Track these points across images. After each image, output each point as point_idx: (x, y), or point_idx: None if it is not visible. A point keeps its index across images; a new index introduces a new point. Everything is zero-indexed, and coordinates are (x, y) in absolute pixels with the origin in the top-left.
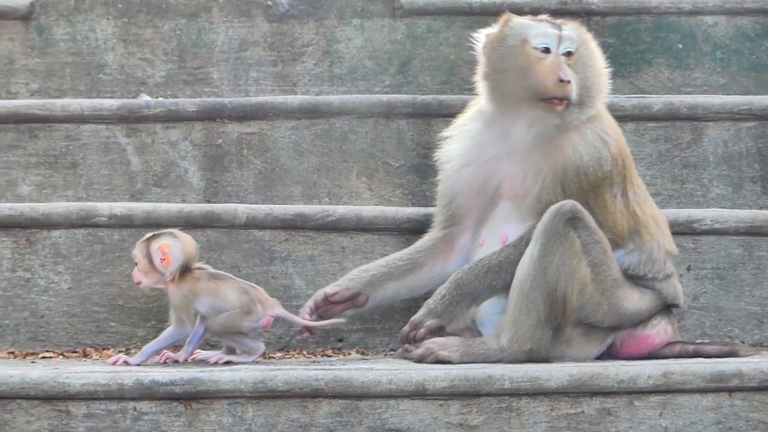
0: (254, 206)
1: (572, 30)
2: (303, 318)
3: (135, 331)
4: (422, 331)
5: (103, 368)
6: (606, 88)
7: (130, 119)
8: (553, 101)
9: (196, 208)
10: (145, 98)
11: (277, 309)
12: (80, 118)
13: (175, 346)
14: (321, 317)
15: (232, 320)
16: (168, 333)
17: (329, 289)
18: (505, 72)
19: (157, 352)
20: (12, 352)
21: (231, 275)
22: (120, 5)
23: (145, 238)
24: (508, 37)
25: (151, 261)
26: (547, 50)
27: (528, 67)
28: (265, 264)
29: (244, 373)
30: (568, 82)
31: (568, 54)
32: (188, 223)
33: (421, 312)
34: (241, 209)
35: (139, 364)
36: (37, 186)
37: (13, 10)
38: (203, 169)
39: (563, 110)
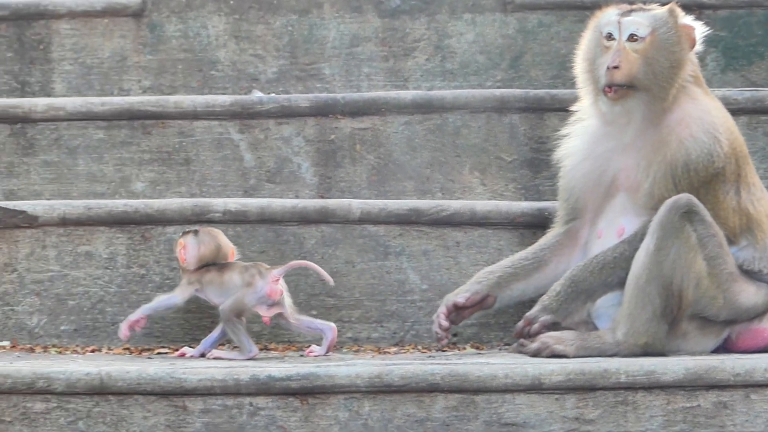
0: (369, 201)
1: (642, 15)
2: (440, 322)
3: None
4: (536, 326)
5: (219, 363)
6: (682, 76)
7: (243, 115)
8: (605, 89)
9: (311, 203)
10: (257, 94)
11: (275, 270)
12: (193, 115)
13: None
14: (453, 323)
15: (237, 301)
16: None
17: (459, 298)
18: (590, 64)
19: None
20: (128, 348)
21: (239, 261)
22: (231, 1)
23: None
24: (593, 29)
25: None
26: (611, 37)
27: (598, 57)
28: (379, 259)
29: (360, 368)
30: (614, 67)
31: (633, 39)
32: (303, 219)
33: (536, 308)
34: (356, 204)
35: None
36: (150, 182)
37: (125, 7)
38: (316, 164)
39: (616, 97)
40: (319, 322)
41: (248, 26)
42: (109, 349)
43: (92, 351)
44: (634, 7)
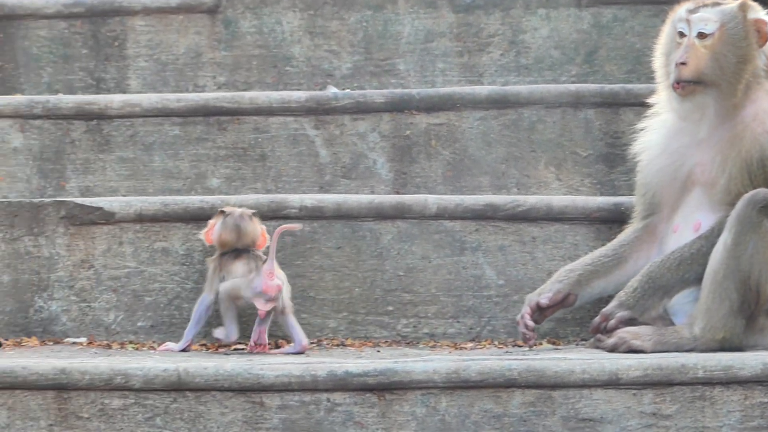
0: (444, 197)
1: (711, 11)
2: (526, 322)
3: (326, 323)
4: (613, 322)
5: (296, 360)
6: (751, 71)
7: (319, 111)
8: (673, 85)
9: (387, 199)
10: (332, 90)
11: (266, 264)
12: (268, 111)
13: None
14: (536, 322)
15: (234, 287)
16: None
17: (543, 299)
18: (665, 59)
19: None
20: (204, 344)
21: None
22: None
23: None
24: (670, 24)
25: None
26: (682, 34)
27: (672, 52)
28: (455, 254)
29: (438, 364)
30: (682, 63)
31: (702, 35)
32: (378, 214)
33: (612, 304)
34: (432, 200)
35: (183, 350)
36: (226, 179)
37: (200, 3)
38: (392, 160)
39: (684, 93)
40: (297, 331)
41: (323, 22)
42: None
43: None
44: (707, 2)
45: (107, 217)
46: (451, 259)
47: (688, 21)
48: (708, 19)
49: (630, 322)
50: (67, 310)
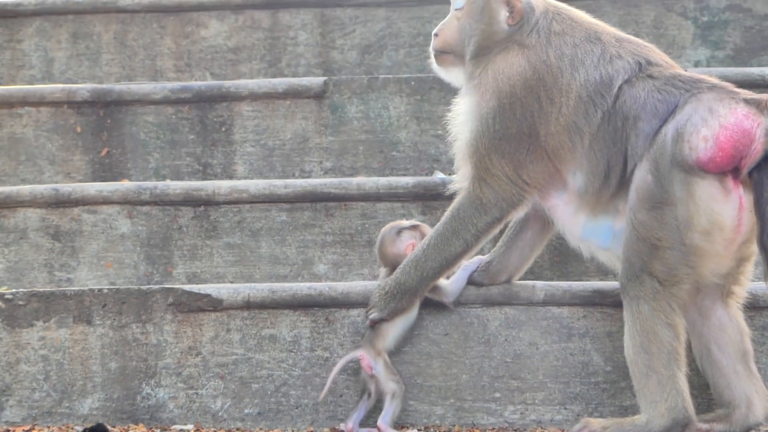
0: (552, 283)
1: None
2: None
3: (433, 410)
4: None
5: None
6: None
7: (426, 197)
8: None
9: (495, 286)
10: (439, 176)
11: (353, 353)
12: (375, 197)
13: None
14: None
15: None
16: None
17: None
18: None
19: None
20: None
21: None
22: (413, 83)
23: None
24: None
25: None
26: None
27: None
28: (563, 341)
29: None
30: None
31: None
32: (486, 301)
33: None
34: (540, 286)
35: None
36: (333, 264)
37: (307, 89)
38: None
39: None
40: (383, 413)
41: (429, 107)
42: None
43: None
44: None
45: (215, 304)
46: (558, 345)
47: None
48: None
49: None
50: (175, 396)
